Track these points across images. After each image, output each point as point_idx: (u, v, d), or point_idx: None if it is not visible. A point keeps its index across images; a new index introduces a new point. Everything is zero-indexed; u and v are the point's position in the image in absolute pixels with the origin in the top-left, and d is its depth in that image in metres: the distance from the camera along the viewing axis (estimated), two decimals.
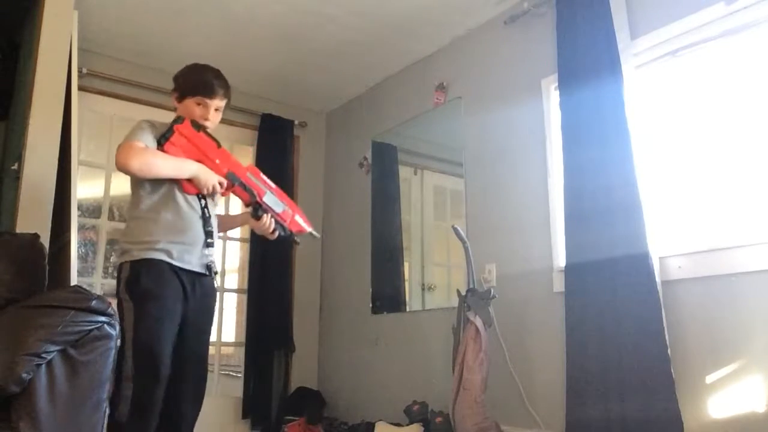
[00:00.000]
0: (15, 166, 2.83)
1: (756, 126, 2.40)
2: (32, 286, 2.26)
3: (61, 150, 2.75)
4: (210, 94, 2.19)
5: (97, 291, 3.68)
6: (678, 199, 2.62)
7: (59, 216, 2.72)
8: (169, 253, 2.07)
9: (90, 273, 3.79)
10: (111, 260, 3.92)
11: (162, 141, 2.10)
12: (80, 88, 3.31)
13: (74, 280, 2.67)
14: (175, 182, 2.12)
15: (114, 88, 3.90)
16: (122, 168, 2.01)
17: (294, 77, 4.28)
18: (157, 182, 2.11)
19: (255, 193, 2.25)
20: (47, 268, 2.40)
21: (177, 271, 2.07)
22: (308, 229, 2.40)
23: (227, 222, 2.56)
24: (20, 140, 2.79)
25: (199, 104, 2.19)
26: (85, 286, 2.07)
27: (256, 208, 2.26)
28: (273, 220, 2.28)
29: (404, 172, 4.18)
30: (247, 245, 4.42)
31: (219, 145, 2.22)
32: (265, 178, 2.31)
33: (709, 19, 2.50)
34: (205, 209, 2.19)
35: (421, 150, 4.15)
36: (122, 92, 3.93)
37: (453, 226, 3.00)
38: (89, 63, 3.76)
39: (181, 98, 2.22)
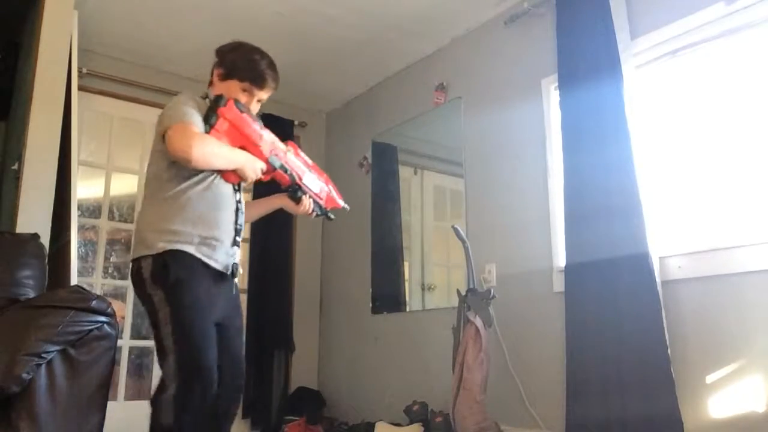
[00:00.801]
0: (15, 166, 2.83)
1: (756, 126, 2.40)
2: (32, 286, 2.26)
3: (61, 150, 2.75)
4: (260, 84, 2.03)
5: (97, 291, 3.68)
6: (678, 199, 2.62)
7: (59, 216, 2.72)
8: (199, 249, 1.87)
9: (90, 273, 3.78)
10: (111, 260, 3.92)
11: (206, 128, 1.88)
12: (80, 88, 3.31)
13: (74, 280, 2.67)
14: (217, 173, 1.93)
15: (114, 88, 3.90)
16: (181, 155, 1.79)
17: (294, 77, 4.27)
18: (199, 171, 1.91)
19: (295, 175, 2.08)
20: (47, 268, 2.41)
21: (205, 268, 1.89)
22: (342, 203, 2.26)
23: (259, 207, 2.30)
24: (20, 140, 2.79)
25: (244, 90, 2.02)
26: (85, 286, 2.06)
27: (296, 190, 2.09)
28: (311, 200, 2.14)
29: (404, 172, 4.18)
30: (247, 245, 4.42)
31: (262, 126, 2.02)
32: (303, 155, 2.16)
33: (709, 19, 2.50)
34: (239, 203, 2.03)
35: (421, 150, 4.15)
36: (122, 92, 3.93)
37: (453, 226, 3.00)
38: (89, 63, 3.76)
39: (225, 77, 2.02)
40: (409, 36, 3.74)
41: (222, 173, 1.93)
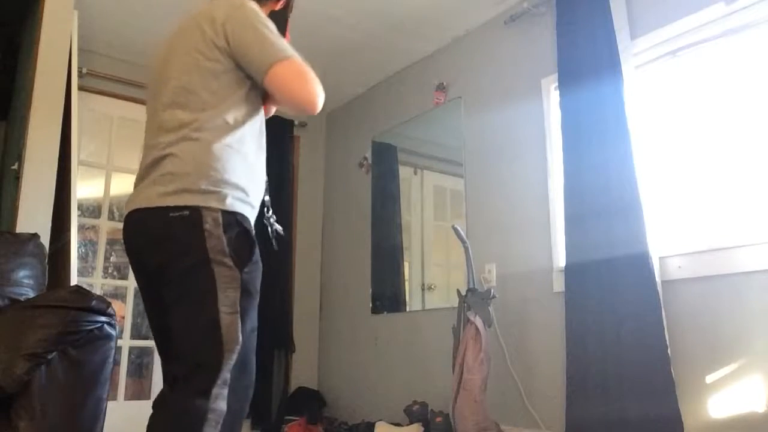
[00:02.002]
0: (15, 166, 2.83)
1: (756, 126, 2.40)
2: (32, 286, 2.26)
3: (61, 150, 2.75)
4: None
5: (97, 291, 3.68)
6: (678, 199, 2.62)
7: (59, 216, 2.72)
8: (253, 206, 1.50)
9: (90, 273, 3.78)
10: (111, 260, 3.92)
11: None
12: (80, 88, 3.31)
13: (74, 280, 2.67)
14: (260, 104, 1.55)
15: (114, 88, 3.90)
16: (307, 106, 1.50)
17: None
18: (258, 104, 1.54)
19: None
20: (47, 268, 2.40)
21: None
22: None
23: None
24: (20, 140, 2.79)
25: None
26: (85, 286, 2.06)
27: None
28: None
29: (404, 172, 4.18)
30: None
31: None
32: None
33: (709, 19, 2.51)
34: None
35: (421, 150, 4.15)
36: (122, 92, 3.94)
37: (453, 226, 3.00)
38: (89, 63, 3.76)
39: None
40: (409, 36, 3.74)
41: (264, 106, 1.56)
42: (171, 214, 1.38)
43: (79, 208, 3.12)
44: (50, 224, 2.65)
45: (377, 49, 3.90)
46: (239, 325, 1.35)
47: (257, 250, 1.43)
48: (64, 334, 1.85)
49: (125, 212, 1.49)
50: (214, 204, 1.38)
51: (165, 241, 1.39)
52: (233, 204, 1.40)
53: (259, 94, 1.53)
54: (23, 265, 2.29)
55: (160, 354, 1.55)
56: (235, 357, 1.34)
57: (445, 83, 3.77)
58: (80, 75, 3.49)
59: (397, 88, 4.21)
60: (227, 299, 1.35)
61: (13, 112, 3.30)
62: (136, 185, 1.48)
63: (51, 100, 2.77)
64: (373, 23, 3.59)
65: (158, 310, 1.47)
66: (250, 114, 1.50)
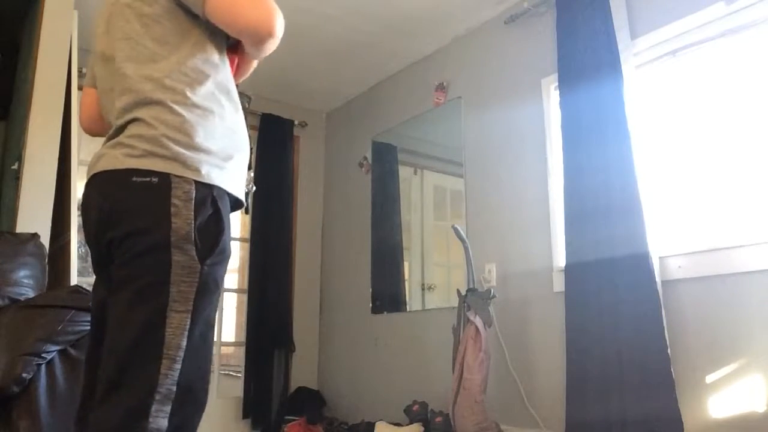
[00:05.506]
0: (15, 166, 2.83)
1: (756, 126, 2.40)
2: (32, 286, 2.26)
3: (61, 150, 2.75)
4: None
5: None
6: (678, 199, 2.62)
7: (59, 216, 2.72)
8: (235, 178, 1.29)
9: (90, 273, 3.78)
10: None
11: None
12: (80, 88, 3.30)
13: (74, 280, 2.67)
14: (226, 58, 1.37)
15: None
16: (266, 26, 1.28)
17: (294, 77, 4.28)
18: (220, 50, 1.34)
19: None
20: (47, 268, 2.40)
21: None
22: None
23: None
24: (20, 140, 2.79)
25: None
26: (85, 286, 2.06)
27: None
28: None
29: (404, 172, 4.18)
30: (247, 245, 4.42)
31: None
32: None
33: (709, 19, 2.51)
34: None
35: (421, 150, 4.15)
36: None
37: (453, 226, 3.00)
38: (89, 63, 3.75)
39: None
40: (409, 36, 3.74)
41: (231, 62, 1.38)
42: (134, 179, 1.17)
43: (79, 208, 3.12)
44: (50, 224, 2.65)
45: (377, 49, 3.90)
46: (187, 325, 1.14)
47: (225, 238, 1.22)
48: (64, 334, 1.85)
49: (87, 178, 1.28)
50: (187, 173, 1.18)
51: (123, 213, 1.18)
52: (210, 174, 1.21)
53: (220, 42, 1.34)
54: (23, 265, 2.29)
55: (87, 354, 1.30)
56: (179, 363, 1.13)
57: (445, 83, 3.77)
58: (80, 75, 3.48)
59: (397, 88, 4.21)
60: (179, 294, 1.14)
61: (13, 112, 3.30)
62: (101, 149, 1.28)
63: (51, 100, 2.77)
64: (373, 23, 3.59)
65: (101, 301, 1.25)
66: (214, 66, 1.30)
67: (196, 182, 1.18)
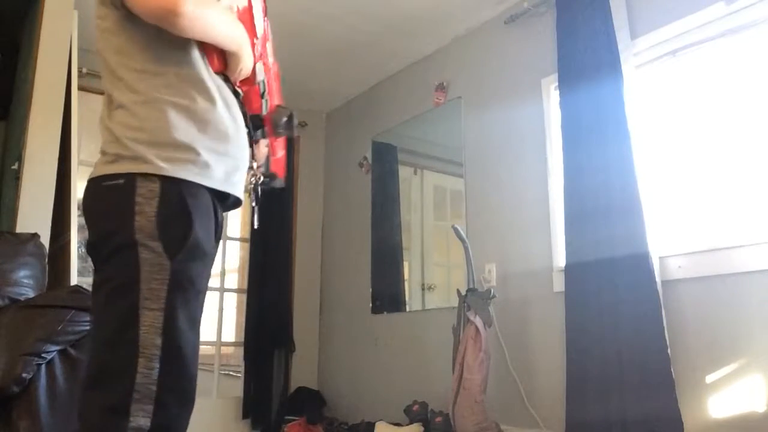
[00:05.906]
0: (15, 166, 2.83)
1: (756, 126, 2.40)
2: (32, 286, 2.26)
3: (61, 150, 2.75)
4: None
5: None
6: (678, 199, 2.62)
7: (59, 216, 2.72)
8: (213, 172, 1.24)
9: (90, 273, 3.78)
10: None
11: None
12: (80, 88, 3.31)
13: (74, 280, 2.67)
14: (202, 52, 1.29)
15: None
16: (167, 10, 1.17)
17: (294, 77, 4.28)
18: (179, 45, 1.26)
19: (268, 106, 1.50)
20: (47, 268, 2.41)
21: (215, 203, 1.27)
22: (282, 177, 1.69)
23: None
24: (20, 140, 2.79)
25: None
26: (85, 286, 2.06)
27: (259, 126, 1.47)
28: (266, 152, 1.58)
29: (404, 172, 4.18)
30: (247, 245, 4.42)
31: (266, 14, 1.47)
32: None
33: (709, 19, 2.50)
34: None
35: (421, 150, 4.15)
36: None
37: (453, 226, 3.00)
38: (89, 63, 3.74)
39: None
40: (409, 36, 3.74)
41: (209, 56, 1.31)
42: (104, 184, 1.20)
43: (79, 208, 3.12)
44: (50, 224, 2.65)
45: (377, 49, 3.90)
46: (161, 323, 1.12)
47: (195, 233, 1.17)
48: (64, 334, 1.85)
49: None
50: (151, 170, 1.16)
51: (96, 217, 1.21)
52: (174, 168, 1.17)
53: (179, 37, 1.26)
54: (23, 265, 2.29)
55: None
56: (156, 362, 1.11)
57: (445, 83, 3.77)
58: (80, 75, 3.48)
59: (397, 88, 4.21)
60: (150, 292, 1.12)
61: (13, 112, 3.30)
62: None
63: (51, 100, 2.77)
64: (373, 23, 3.59)
65: None
66: (176, 62, 1.26)
67: (163, 178, 1.17)
